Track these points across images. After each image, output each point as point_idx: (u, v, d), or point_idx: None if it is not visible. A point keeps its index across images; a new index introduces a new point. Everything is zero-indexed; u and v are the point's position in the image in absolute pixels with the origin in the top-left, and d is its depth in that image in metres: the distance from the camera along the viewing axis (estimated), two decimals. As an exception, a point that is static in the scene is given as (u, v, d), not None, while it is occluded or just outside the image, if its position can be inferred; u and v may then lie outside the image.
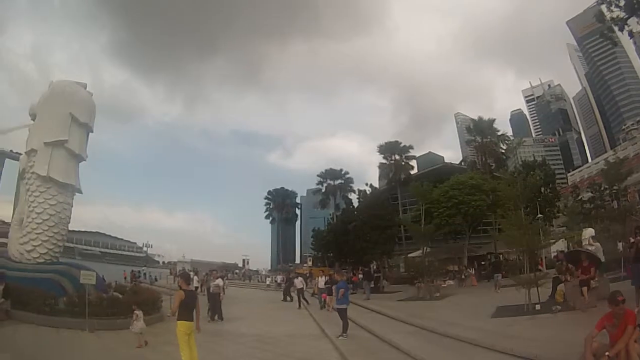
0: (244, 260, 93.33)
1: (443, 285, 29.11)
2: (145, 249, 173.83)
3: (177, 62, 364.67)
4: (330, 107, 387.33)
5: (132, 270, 46.17)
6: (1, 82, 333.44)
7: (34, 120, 20.63)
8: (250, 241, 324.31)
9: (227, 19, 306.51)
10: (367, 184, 70.48)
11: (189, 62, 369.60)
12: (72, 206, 20.45)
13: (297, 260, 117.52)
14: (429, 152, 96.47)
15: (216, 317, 19.19)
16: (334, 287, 19.15)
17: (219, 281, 20.92)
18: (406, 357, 11.14)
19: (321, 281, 28.43)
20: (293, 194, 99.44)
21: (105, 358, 11.74)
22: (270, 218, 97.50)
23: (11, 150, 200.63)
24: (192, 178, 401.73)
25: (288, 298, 31.58)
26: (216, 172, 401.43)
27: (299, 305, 27.40)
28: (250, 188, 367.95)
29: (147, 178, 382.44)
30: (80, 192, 21.16)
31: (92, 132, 21.41)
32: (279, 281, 47.84)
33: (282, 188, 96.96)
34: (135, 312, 13.31)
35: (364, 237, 44.28)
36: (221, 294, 20.35)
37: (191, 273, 25.78)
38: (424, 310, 19.71)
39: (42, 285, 16.02)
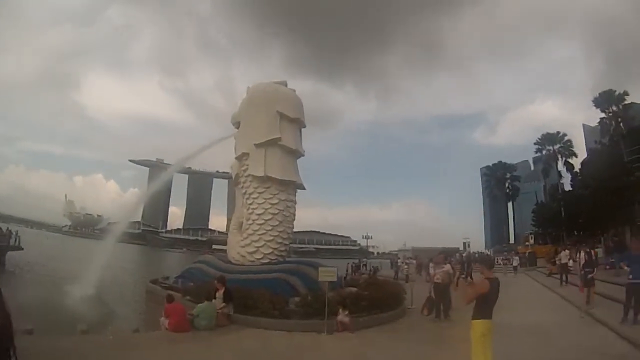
0: (464, 243, 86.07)
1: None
2: (358, 241, 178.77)
3: (357, 59, 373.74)
4: (521, 71, 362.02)
5: (353, 263, 45.68)
6: (195, 117, 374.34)
7: (237, 127, 20.75)
8: (465, 223, 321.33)
9: (391, 5, 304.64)
10: (596, 142, 62.19)
11: (369, 57, 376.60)
12: (295, 203, 19.92)
13: (512, 240, 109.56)
14: (631, 102, 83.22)
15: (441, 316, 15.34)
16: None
17: (448, 267, 16.40)
18: None
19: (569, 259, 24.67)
20: (512, 167, 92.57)
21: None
22: (491, 195, 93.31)
23: (217, 171, 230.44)
24: (402, 168, 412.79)
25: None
26: (424, 158, 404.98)
27: (561, 282, 24.76)
28: (460, 169, 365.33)
29: (358, 175, 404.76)
30: (303, 188, 20.67)
31: (304, 127, 20.84)
32: (515, 264, 42.99)
33: (500, 162, 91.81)
34: (339, 307, 13.26)
35: (602, 203, 38.56)
36: (454, 284, 15.71)
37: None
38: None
39: (268, 286, 15.12)
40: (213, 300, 13.46)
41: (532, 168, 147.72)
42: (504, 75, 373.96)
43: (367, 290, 17.04)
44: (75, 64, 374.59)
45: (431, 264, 27.20)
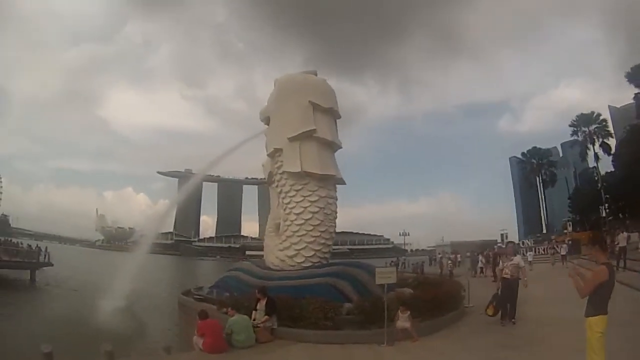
0: (502, 235, 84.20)
1: None
2: (391, 239, 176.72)
3: (377, 54, 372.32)
4: (542, 56, 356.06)
5: (392, 261, 44.37)
6: (219, 125, 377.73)
7: (267, 124, 19.47)
8: (496, 215, 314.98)
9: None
10: (638, 116, 59.89)
11: (388, 50, 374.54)
12: (336, 199, 18.32)
13: (544, 229, 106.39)
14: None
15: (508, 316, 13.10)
16: None
17: (518, 259, 13.51)
18: None
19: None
20: (547, 152, 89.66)
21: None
22: (527, 183, 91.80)
23: (246, 178, 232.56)
24: (428, 162, 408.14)
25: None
26: (450, 151, 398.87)
27: (617, 268, 22.01)
28: (487, 159, 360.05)
29: (384, 172, 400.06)
30: (343, 183, 19.07)
31: (339, 117, 19.31)
32: (563, 252, 38.81)
33: (535, 147, 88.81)
34: (400, 309, 11.69)
35: None
36: (524, 278, 13.23)
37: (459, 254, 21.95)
38: None
39: (314, 292, 13.51)
40: (254, 312, 11.97)
41: (561, 154, 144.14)
42: (525, 61, 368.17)
43: (422, 290, 15.55)
44: (97, 80, 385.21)
45: (481, 257, 25.27)
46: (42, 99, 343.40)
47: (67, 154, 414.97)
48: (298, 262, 16.95)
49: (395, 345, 10.95)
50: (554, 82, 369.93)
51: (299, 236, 16.96)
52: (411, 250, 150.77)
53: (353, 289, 14.46)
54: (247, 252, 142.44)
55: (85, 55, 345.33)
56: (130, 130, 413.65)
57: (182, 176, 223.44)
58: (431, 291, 14.52)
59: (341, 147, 18.95)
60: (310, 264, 16.88)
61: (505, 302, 13.05)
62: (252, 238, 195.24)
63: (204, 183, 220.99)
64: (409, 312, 11.60)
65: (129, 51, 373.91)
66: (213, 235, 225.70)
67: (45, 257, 39.38)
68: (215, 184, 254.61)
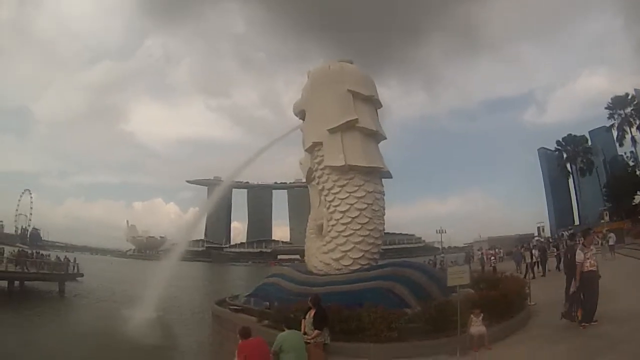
0: (538, 228, 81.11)
1: None
2: (422, 238, 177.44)
3: (398, 54, 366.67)
4: (561, 47, 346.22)
5: (430, 260, 42.95)
6: (244, 133, 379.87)
7: (302, 118, 18.26)
8: (527, 209, 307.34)
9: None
10: None
11: (409, 50, 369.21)
12: (384, 194, 16.75)
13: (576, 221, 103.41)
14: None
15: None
16: None
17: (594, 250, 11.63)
18: None
19: None
20: (583, 139, 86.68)
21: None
22: (563, 173, 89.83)
23: (275, 182, 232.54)
24: (454, 159, 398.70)
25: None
26: (476, 147, 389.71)
27: None
28: (514, 153, 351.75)
29: (411, 171, 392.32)
30: (390, 176, 17.54)
31: (380, 106, 17.88)
32: (611, 242, 34.08)
33: (570, 135, 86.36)
34: (473, 312, 10.20)
35: None
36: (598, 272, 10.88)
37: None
38: None
39: (368, 298, 11.98)
40: (302, 321, 10.38)
41: (590, 143, 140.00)
42: (546, 52, 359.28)
43: (481, 289, 13.90)
44: (121, 96, 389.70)
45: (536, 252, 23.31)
46: (67, 116, 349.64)
47: (95, 168, 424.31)
48: (345, 265, 15.52)
49: (470, 355, 9.47)
50: (576, 71, 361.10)
51: (345, 236, 15.52)
52: (443, 248, 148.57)
53: (410, 292, 12.92)
54: (279, 257, 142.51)
55: (108, 72, 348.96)
56: (157, 143, 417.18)
57: (211, 184, 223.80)
58: (497, 290, 12.87)
59: (385, 138, 17.51)
60: (358, 266, 15.43)
61: (588, 300, 10.93)
62: (283, 242, 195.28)
63: (234, 190, 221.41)
64: (482, 315, 10.07)
65: (151, 65, 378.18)
66: (244, 241, 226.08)
67: (74, 268, 39.74)
68: (245, 190, 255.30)
